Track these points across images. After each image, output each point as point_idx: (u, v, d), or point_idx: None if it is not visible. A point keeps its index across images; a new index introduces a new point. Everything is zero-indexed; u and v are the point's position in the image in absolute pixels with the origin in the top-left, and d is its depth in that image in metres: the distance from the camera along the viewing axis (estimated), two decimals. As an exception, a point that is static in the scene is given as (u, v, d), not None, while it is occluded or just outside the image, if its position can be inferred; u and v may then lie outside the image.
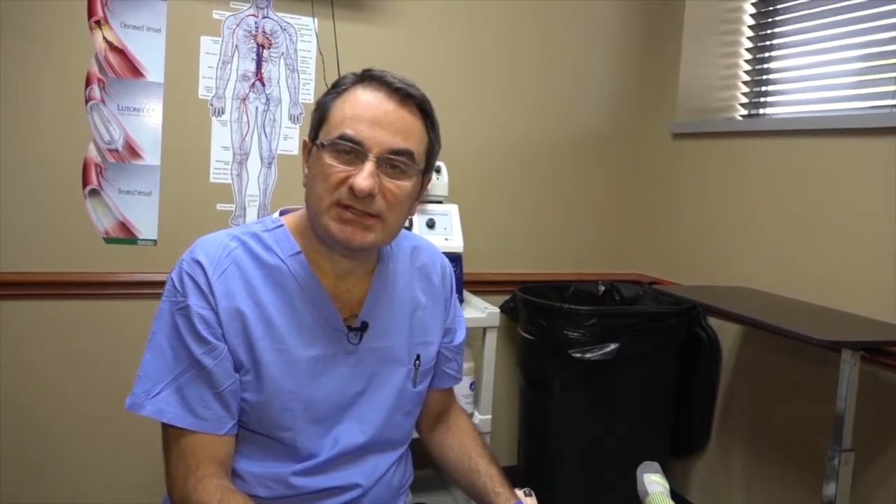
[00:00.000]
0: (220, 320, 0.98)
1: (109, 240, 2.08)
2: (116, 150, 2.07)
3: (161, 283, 1.99)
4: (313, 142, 1.01)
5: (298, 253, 1.04)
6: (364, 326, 1.07)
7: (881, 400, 1.84)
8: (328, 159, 0.96)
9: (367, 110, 0.96)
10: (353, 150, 0.95)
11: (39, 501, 2.07)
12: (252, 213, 2.22)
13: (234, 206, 2.20)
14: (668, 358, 2.38)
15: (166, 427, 0.98)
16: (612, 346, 2.23)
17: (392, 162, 0.97)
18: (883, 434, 1.85)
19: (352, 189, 0.94)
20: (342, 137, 0.95)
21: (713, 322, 2.40)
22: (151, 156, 2.11)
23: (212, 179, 2.18)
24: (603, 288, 2.64)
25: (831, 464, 1.68)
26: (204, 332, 0.97)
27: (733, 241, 2.37)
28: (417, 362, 1.13)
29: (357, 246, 0.98)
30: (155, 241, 2.12)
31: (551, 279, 2.62)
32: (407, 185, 0.99)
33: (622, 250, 2.79)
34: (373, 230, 0.98)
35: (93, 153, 2.05)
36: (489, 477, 1.12)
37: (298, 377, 1.02)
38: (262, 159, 2.23)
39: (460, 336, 1.22)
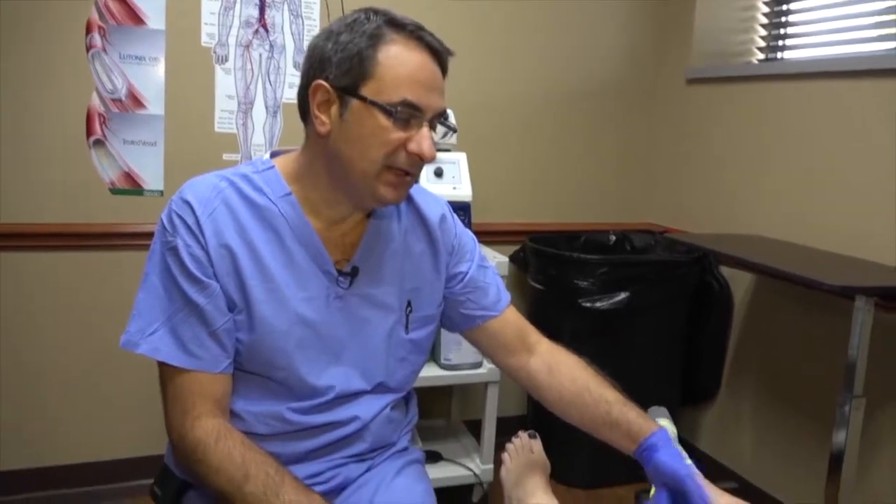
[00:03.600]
0: (210, 259, 0.98)
1: (115, 191, 2.07)
2: (120, 100, 2.04)
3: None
4: (353, 94, 0.96)
5: (289, 194, 1.03)
6: (354, 272, 1.06)
7: (894, 347, 1.82)
8: (384, 121, 0.95)
9: (420, 73, 0.96)
10: (410, 116, 0.96)
11: (46, 456, 2.11)
12: (258, 163, 2.20)
13: (239, 155, 2.18)
14: (679, 307, 2.36)
15: (162, 366, 0.99)
16: (623, 296, 2.21)
17: (433, 122, 0.99)
18: (894, 381, 1.83)
19: (411, 154, 0.96)
20: (406, 104, 0.95)
21: (725, 271, 2.38)
22: (155, 105, 2.08)
23: (217, 129, 2.15)
24: (614, 238, 2.61)
25: (842, 410, 1.67)
26: (195, 271, 0.97)
27: (747, 189, 2.33)
28: (409, 309, 1.13)
29: (396, 204, 1.05)
30: (161, 191, 2.11)
31: (562, 229, 2.59)
32: (436, 139, 1.01)
33: (634, 199, 2.75)
34: (410, 187, 1.03)
35: (96, 103, 2.02)
36: (611, 406, 1.09)
37: (289, 317, 1.02)
38: (267, 108, 2.20)
39: (467, 276, 1.18)
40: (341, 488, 1.09)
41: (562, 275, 2.25)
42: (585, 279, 2.23)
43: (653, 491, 1.11)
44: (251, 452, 0.94)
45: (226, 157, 2.17)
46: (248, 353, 1.01)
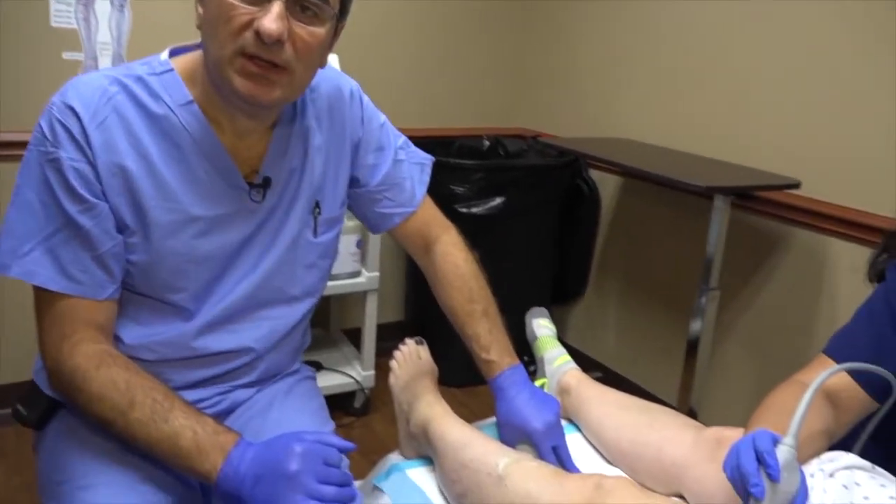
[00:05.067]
0: (98, 176, 0.87)
1: (-65, 94, 1.82)
2: (-71, -13, 1.76)
3: (4, 144, 1.80)
4: None
5: (190, 102, 0.91)
6: (266, 182, 0.98)
7: (747, 243, 1.98)
8: None
9: None
10: None
11: None
12: (106, 63, 1.99)
13: (83, 54, 1.96)
14: (551, 210, 2.43)
15: (38, 290, 0.89)
16: (498, 200, 2.25)
17: (303, 4, 0.84)
18: (745, 275, 2.00)
19: (258, 34, 0.81)
20: None
21: (594, 175, 2.46)
22: (-25, -6, 1.81)
23: (53, 23, 1.91)
24: (488, 143, 2.62)
25: (698, 302, 1.81)
26: (80, 189, 0.86)
27: (615, 94, 2.39)
28: (317, 211, 1.06)
29: (262, 103, 0.88)
30: (-9, 95, 1.87)
31: (436, 135, 2.57)
32: (320, 31, 0.87)
33: (506, 104, 2.76)
34: (279, 85, 0.87)
35: None
36: (475, 341, 1.12)
37: (193, 237, 0.93)
38: (112, 0, 1.97)
39: (380, 172, 1.12)
40: (229, 411, 1.05)
41: (438, 180, 2.19)
42: (461, 185, 2.23)
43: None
44: (137, 377, 0.87)
45: (66, 55, 1.94)
46: (143, 275, 0.92)
